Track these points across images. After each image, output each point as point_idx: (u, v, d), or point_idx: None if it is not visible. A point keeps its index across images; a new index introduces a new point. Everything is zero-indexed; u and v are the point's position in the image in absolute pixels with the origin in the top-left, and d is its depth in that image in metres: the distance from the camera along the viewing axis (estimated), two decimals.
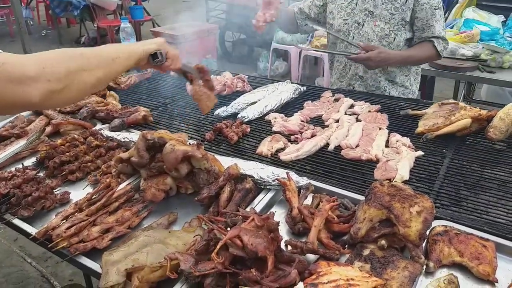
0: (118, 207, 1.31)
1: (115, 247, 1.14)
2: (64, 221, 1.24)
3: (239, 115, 1.94)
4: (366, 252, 1.08)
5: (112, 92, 2.13)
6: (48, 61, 1.00)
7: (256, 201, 1.33)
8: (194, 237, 1.12)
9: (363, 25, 2.23)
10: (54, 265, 2.85)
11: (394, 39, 2.20)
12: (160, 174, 1.38)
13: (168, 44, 1.39)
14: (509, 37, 3.82)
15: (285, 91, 2.17)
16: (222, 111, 1.98)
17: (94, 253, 1.15)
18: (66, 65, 1.03)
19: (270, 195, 1.36)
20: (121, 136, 1.69)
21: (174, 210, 1.34)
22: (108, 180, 1.44)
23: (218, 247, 0.95)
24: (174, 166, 1.32)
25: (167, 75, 2.55)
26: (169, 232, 1.19)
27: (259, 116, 1.96)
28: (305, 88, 2.32)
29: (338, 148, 1.67)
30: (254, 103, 2.04)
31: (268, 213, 1.12)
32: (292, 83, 2.35)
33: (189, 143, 1.47)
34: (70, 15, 8.38)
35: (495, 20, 4.00)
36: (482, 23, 3.94)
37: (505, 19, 4.18)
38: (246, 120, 1.91)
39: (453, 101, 1.75)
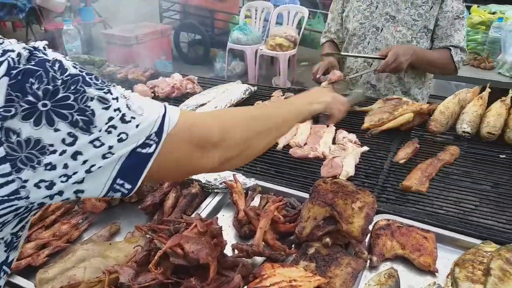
0: (55, 220, 1.24)
1: (52, 264, 1.07)
2: None
3: None
4: (311, 251, 1.08)
5: None
6: (230, 124, 0.89)
7: (203, 205, 1.30)
8: (134, 248, 1.07)
9: (381, 30, 2.13)
10: None
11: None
12: None
13: (334, 102, 1.22)
14: None
15: (236, 91, 2.15)
16: None
17: (30, 271, 1.08)
18: (246, 129, 0.92)
19: (217, 198, 1.34)
20: None
21: (116, 221, 1.28)
22: None
23: (156, 257, 0.92)
24: None
25: (113, 79, 2.46)
26: (110, 244, 1.13)
27: None
28: (256, 88, 2.31)
29: (288, 147, 1.67)
30: (204, 104, 2.01)
31: (214, 217, 1.10)
32: (243, 83, 2.33)
33: None
34: (15, 19, 7.96)
35: None
36: None
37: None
38: None
39: (397, 96, 1.80)
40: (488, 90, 1.77)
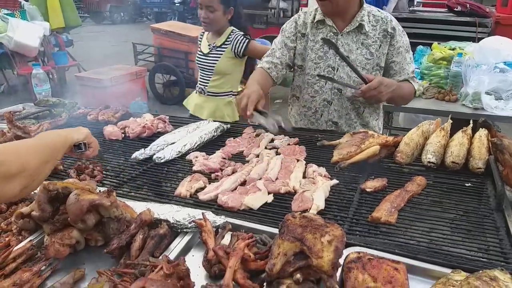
0: (16, 268, 1.18)
1: None
2: None
3: (154, 156, 1.88)
4: None
5: None
6: (25, 157, 1.07)
7: (172, 246, 1.27)
8: None
9: (337, 69, 2.21)
10: None
11: None
12: (65, 228, 1.27)
13: (91, 135, 1.50)
14: (417, 68, 4.17)
15: (207, 129, 2.16)
16: (139, 153, 1.91)
17: None
18: (38, 159, 1.11)
19: (187, 238, 1.30)
20: None
21: (82, 266, 1.23)
22: (7, 239, 1.31)
23: None
24: (80, 217, 1.23)
25: (84, 120, 2.44)
26: None
27: (177, 156, 1.92)
28: (228, 126, 2.33)
29: None
30: (173, 143, 2.00)
31: (180, 258, 1.07)
32: (214, 121, 2.35)
33: (99, 190, 1.39)
34: None
35: None
36: None
37: (412, 53, 4.57)
38: (162, 160, 1.86)
39: (364, 130, 1.84)
40: (450, 121, 1.83)
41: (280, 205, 1.52)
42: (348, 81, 2.20)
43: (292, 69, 2.40)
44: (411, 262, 1.16)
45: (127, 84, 6.21)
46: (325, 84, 2.25)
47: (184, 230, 1.32)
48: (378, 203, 1.47)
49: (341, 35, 2.20)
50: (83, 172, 1.72)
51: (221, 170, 1.78)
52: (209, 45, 3.07)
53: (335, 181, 1.61)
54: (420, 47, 4.54)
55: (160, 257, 1.16)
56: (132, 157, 1.90)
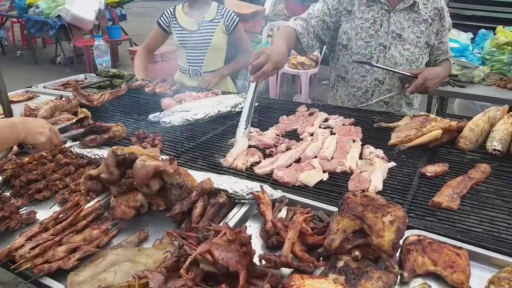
0: (86, 225, 1.26)
1: (82, 267, 1.09)
2: (29, 241, 1.19)
3: (160, 120, 2.06)
4: (340, 263, 1.07)
5: (84, 109, 2.07)
6: None
7: (230, 215, 1.30)
8: (163, 253, 1.08)
9: (389, 48, 2.16)
10: None
11: (421, 63, 2.24)
12: (130, 191, 1.34)
13: (48, 143, 1.48)
14: (478, 53, 3.95)
15: (227, 103, 2.21)
16: (153, 116, 2.12)
17: (60, 274, 1.10)
18: None
19: (244, 209, 1.34)
20: (92, 153, 1.64)
21: (145, 228, 1.29)
22: (76, 198, 1.39)
23: (187, 262, 0.92)
24: (145, 182, 1.29)
25: (142, 91, 2.52)
26: (139, 250, 1.14)
27: (184, 123, 2.04)
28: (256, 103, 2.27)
29: None
30: (189, 111, 2.12)
31: (243, 226, 1.10)
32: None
33: (162, 158, 1.45)
34: (45, 35, 8.28)
35: (464, 37, 4.14)
36: (452, 40, 4.06)
37: (473, 36, 4.33)
38: (168, 125, 2.02)
39: (424, 113, 1.78)
40: None
41: (336, 183, 1.52)
42: (401, 60, 2.19)
43: (331, 47, 2.37)
44: (473, 249, 1.14)
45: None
46: (376, 63, 2.19)
47: (242, 201, 1.35)
48: (438, 188, 1.43)
49: (393, 12, 2.13)
50: (143, 140, 1.79)
51: (275, 146, 1.79)
52: (197, 21, 2.88)
53: (393, 164, 1.58)
54: (482, 30, 4.29)
55: (221, 224, 1.20)
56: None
